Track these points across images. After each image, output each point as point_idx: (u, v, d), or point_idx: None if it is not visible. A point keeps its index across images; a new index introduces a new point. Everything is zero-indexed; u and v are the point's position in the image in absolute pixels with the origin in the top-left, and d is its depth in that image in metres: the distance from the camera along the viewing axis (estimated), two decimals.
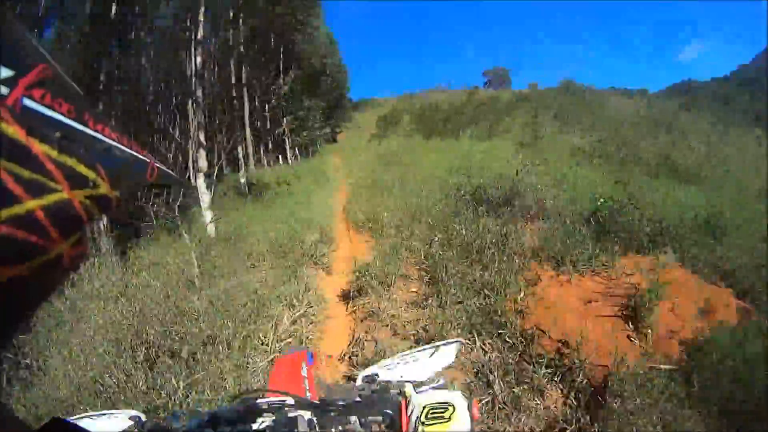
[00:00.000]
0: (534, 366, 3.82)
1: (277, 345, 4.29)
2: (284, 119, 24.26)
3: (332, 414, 1.16)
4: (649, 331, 4.20)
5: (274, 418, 1.17)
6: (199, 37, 13.62)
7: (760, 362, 3.37)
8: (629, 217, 6.32)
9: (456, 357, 1.55)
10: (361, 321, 4.93)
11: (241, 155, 20.35)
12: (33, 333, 4.76)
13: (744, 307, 4.63)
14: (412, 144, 20.32)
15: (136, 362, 3.98)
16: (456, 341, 1.58)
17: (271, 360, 3.98)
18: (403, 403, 1.14)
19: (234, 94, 20.59)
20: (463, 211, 7.29)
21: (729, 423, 3.08)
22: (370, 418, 1.14)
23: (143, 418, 1.38)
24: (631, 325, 4.33)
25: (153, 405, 3.43)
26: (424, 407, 1.06)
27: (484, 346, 4.16)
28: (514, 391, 3.56)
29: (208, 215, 8.54)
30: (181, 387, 3.54)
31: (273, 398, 1.24)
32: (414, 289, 5.38)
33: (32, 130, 0.36)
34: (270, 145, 25.77)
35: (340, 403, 1.19)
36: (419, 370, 1.47)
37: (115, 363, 3.97)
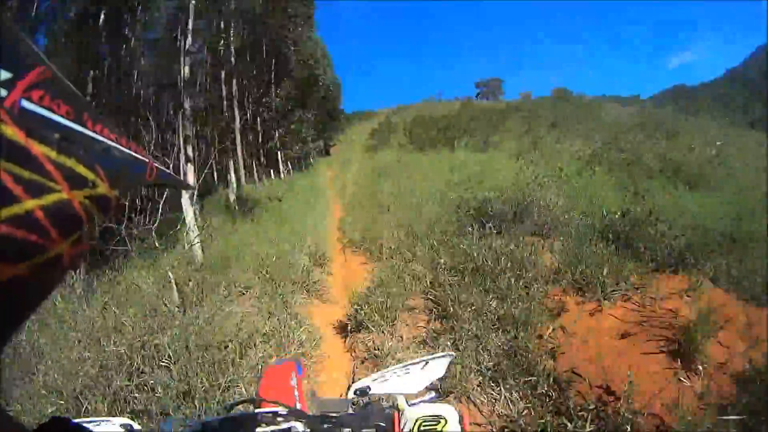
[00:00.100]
0: (574, 420, 3.12)
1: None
2: (276, 132, 23.64)
3: (325, 426, 1.15)
4: (700, 368, 3.53)
5: (267, 428, 1.16)
6: (187, 46, 13.04)
7: None
8: (652, 230, 5.67)
9: (447, 370, 1.51)
10: (362, 362, 4.21)
11: (232, 170, 19.71)
12: None
13: None
14: (406, 156, 19.64)
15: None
16: (447, 354, 1.53)
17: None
18: (396, 415, 1.13)
19: (224, 107, 19.97)
20: (469, 228, 6.59)
21: None
22: (363, 430, 1.14)
23: (135, 425, 1.34)
24: (678, 362, 3.65)
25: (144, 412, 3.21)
26: (416, 420, 1.07)
27: (510, 396, 3.45)
28: None
29: (192, 236, 7.81)
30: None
31: (265, 408, 1.22)
32: (422, 324, 4.66)
33: (31, 131, 0.36)
34: (262, 159, 25.16)
35: (333, 415, 1.19)
36: (411, 383, 1.43)
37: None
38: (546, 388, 3.44)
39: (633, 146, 15.74)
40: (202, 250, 7.72)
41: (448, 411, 1.08)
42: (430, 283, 5.21)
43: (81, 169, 0.40)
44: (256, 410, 1.24)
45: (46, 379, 3.94)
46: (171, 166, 12.98)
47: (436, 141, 23.67)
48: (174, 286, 5.45)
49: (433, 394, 1.40)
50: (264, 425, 1.15)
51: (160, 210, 5.86)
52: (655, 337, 3.92)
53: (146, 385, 3.61)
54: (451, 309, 4.47)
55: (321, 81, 26.95)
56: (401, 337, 4.35)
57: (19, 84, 0.39)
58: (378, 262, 6.54)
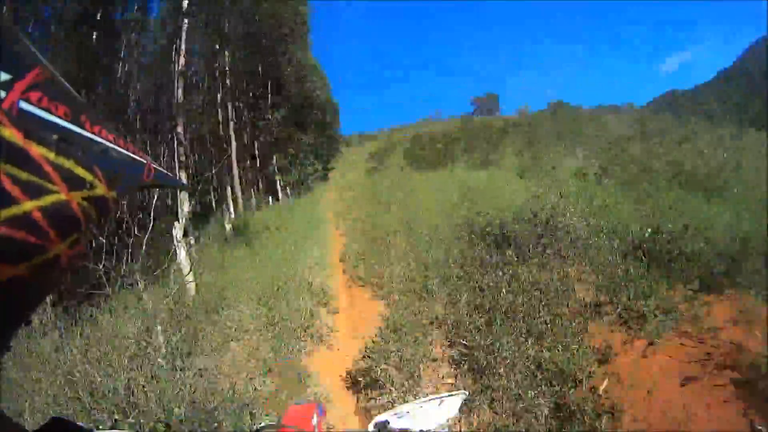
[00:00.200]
0: None
1: None
2: (275, 157, 23.13)
3: None
4: None
5: None
6: (180, 67, 12.54)
7: None
8: (688, 247, 5.07)
9: (460, 410, 1.58)
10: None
11: (229, 196, 19.10)
12: None
13: None
14: (407, 178, 19.06)
15: None
16: (461, 393, 1.55)
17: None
18: None
19: (220, 131, 19.48)
20: (486, 255, 5.93)
21: None
22: None
23: None
24: (753, 408, 2.99)
25: None
26: None
27: None
28: None
29: (185, 271, 7.16)
30: None
31: None
32: (449, 380, 3.96)
33: (29, 132, 0.36)
34: (261, 184, 24.61)
35: None
36: (428, 419, 1.44)
37: None
38: None
39: (641, 157, 15.16)
40: (196, 285, 7.07)
41: None
42: (453, 325, 4.51)
43: (79, 171, 0.40)
44: None
45: None
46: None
47: (435, 161, 23.19)
48: (159, 332, 4.78)
49: (446, 430, 1.43)
50: None
51: (144, 245, 5.16)
52: (722, 380, 3.28)
53: None
54: (483, 360, 3.77)
55: (318, 103, 26.53)
56: (426, 395, 3.66)
57: (18, 85, 0.39)
58: (387, 298, 5.86)
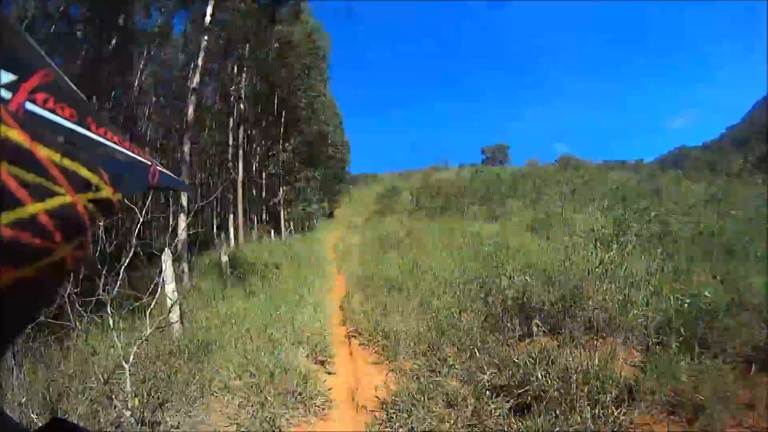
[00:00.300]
0: None
1: None
2: (281, 189, 22.69)
3: None
4: None
5: None
6: (194, 84, 12.25)
7: None
8: (731, 321, 4.55)
9: None
10: None
11: (231, 225, 18.55)
12: None
13: None
14: (414, 224, 18.50)
15: None
16: None
17: None
18: None
19: (230, 156, 19.10)
20: (507, 323, 5.26)
21: None
22: None
23: None
24: None
25: None
26: None
27: None
28: None
29: (169, 304, 6.49)
30: None
31: None
32: None
33: (35, 134, 0.35)
34: (264, 216, 24.11)
35: None
36: None
37: None
38: None
39: (659, 216, 14.55)
40: (182, 323, 6.39)
41: None
42: (473, 413, 3.78)
43: (85, 173, 0.39)
44: None
45: None
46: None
47: (444, 208, 22.74)
48: (128, 380, 4.08)
49: None
50: None
51: (122, 274, 4.45)
52: None
53: None
54: None
55: (330, 139, 26.36)
56: None
57: (23, 86, 0.40)
58: (393, 362, 5.16)
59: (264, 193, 23.76)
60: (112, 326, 4.18)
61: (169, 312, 5.04)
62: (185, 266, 10.05)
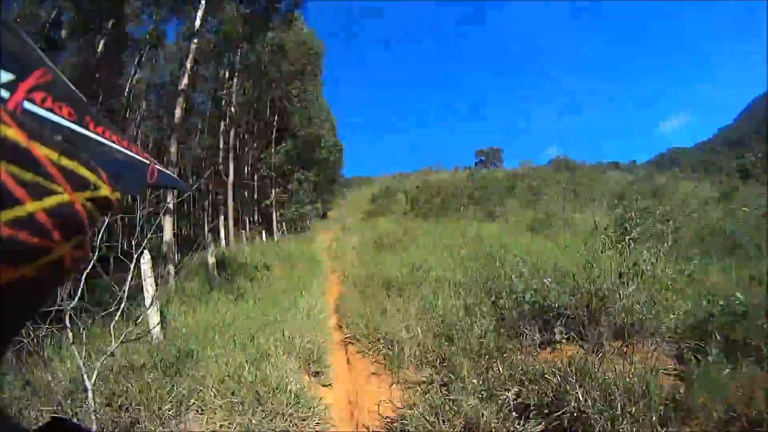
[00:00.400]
0: None
1: None
2: (273, 191, 22.04)
3: None
4: None
5: None
6: (183, 86, 11.67)
7: None
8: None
9: None
10: None
11: (221, 226, 17.92)
12: None
13: None
14: (410, 225, 17.83)
15: None
16: None
17: None
18: None
19: (220, 158, 18.47)
20: (524, 328, 4.64)
21: None
22: None
23: None
24: None
25: None
26: None
27: None
28: None
29: (150, 312, 5.84)
30: None
31: None
32: None
33: (33, 133, 0.35)
34: (257, 217, 23.49)
35: None
36: None
37: None
38: None
39: (666, 215, 14.01)
40: (163, 329, 5.75)
41: None
42: None
43: (83, 171, 0.39)
44: None
45: None
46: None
47: (440, 209, 22.14)
48: (91, 399, 3.44)
49: None
50: None
51: (83, 281, 3.78)
52: None
53: None
54: None
55: (324, 142, 25.72)
56: None
57: (21, 86, 0.40)
58: (396, 374, 4.53)
59: (256, 195, 23.18)
60: (71, 340, 3.55)
61: (137, 321, 4.34)
62: (171, 268, 9.40)
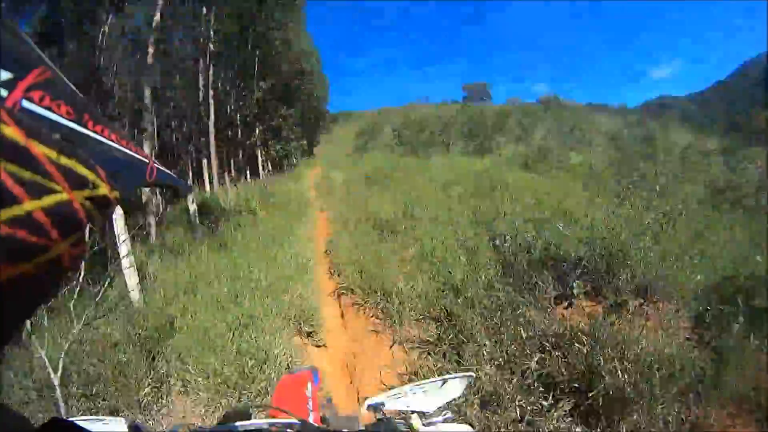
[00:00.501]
0: None
1: None
2: (257, 129, 20.97)
3: None
4: None
5: None
6: (155, 23, 10.51)
7: None
8: None
9: (464, 390, 1.34)
10: None
11: (205, 170, 17.07)
12: None
13: None
14: (398, 160, 17.17)
15: None
16: (467, 375, 1.36)
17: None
18: None
19: (200, 98, 17.26)
20: (539, 281, 4.13)
21: None
22: None
23: (142, 426, 1.23)
24: None
25: None
26: None
27: None
28: None
29: (127, 273, 5.27)
30: None
31: (277, 420, 1.08)
32: None
33: (31, 131, 0.34)
34: (241, 157, 22.58)
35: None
36: (427, 401, 1.28)
37: None
38: None
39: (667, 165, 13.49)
40: (142, 291, 5.23)
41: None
42: (522, 417, 2.69)
43: (81, 170, 0.38)
44: (269, 420, 1.09)
45: None
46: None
47: (428, 144, 21.40)
48: (58, 391, 2.95)
49: (448, 413, 1.27)
50: None
51: None
52: None
53: None
54: None
55: (308, 76, 24.31)
56: None
57: (20, 84, 0.39)
58: (398, 331, 4.08)
59: (240, 135, 22.13)
60: (29, 331, 3.01)
61: (97, 296, 3.76)
62: (152, 220, 8.71)
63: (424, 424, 1.12)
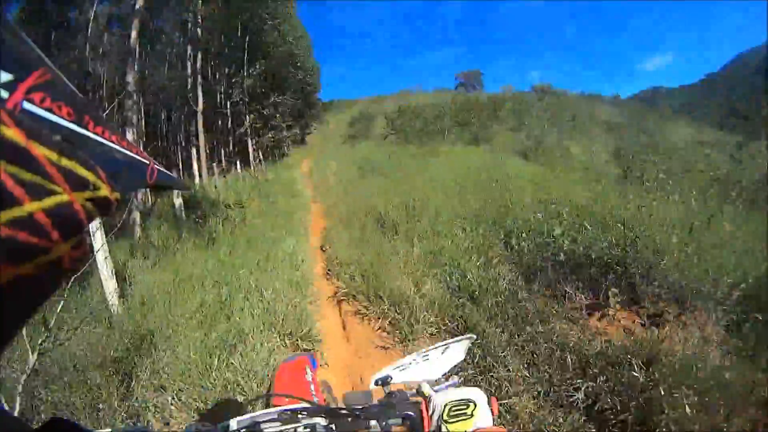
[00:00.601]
0: None
1: None
2: (247, 117, 20.24)
3: (349, 420, 1.01)
4: None
5: (288, 427, 1.01)
6: (138, 5, 9.87)
7: None
8: None
9: (466, 353, 1.34)
10: None
11: (194, 160, 16.43)
12: None
13: None
14: (392, 149, 16.60)
15: None
16: (467, 337, 1.32)
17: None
18: (424, 403, 1.04)
19: (188, 86, 16.52)
20: (567, 289, 3.67)
21: None
22: (390, 421, 1.02)
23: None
24: None
25: None
26: (445, 405, 0.98)
27: None
28: None
29: (104, 273, 4.74)
30: None
31: (285, 406, 1.06)
32: None
33: (32, 132, 0.33)
34: (232, 147, 21.86)
35: (357, 407, 1.05)
36: (433, 368, 1.27)
37: None
38: None
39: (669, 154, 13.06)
40: (123, 297, 4.71)
41: (476, 394, 0.98)
42: None
43: (82, 171, 0.37)
44: (276, 408, 1.05)
45: None
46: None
47: (422, 132, 20.81)
48: (17, 395, 2.45)
49: (456, 378, 1.29)
50: (285, 424, 1.00)
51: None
52: None
53: None
54: None
55: (300, 63, 23.56)
56: None
57: (21, 86, 0.39)
58: (409, 347, 3.59)
59: (230, 123, 21.37)
60: None
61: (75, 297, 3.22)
62: (137, 216, 8.08)
63: (435, 391, 1.06)
